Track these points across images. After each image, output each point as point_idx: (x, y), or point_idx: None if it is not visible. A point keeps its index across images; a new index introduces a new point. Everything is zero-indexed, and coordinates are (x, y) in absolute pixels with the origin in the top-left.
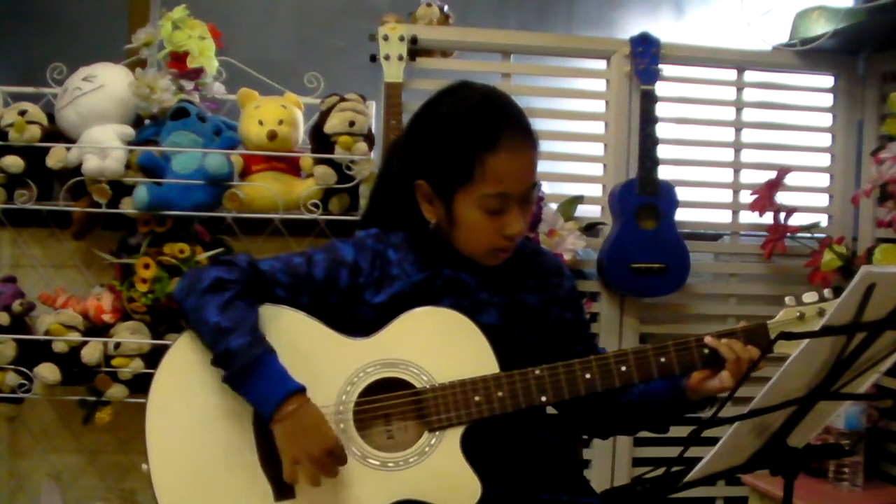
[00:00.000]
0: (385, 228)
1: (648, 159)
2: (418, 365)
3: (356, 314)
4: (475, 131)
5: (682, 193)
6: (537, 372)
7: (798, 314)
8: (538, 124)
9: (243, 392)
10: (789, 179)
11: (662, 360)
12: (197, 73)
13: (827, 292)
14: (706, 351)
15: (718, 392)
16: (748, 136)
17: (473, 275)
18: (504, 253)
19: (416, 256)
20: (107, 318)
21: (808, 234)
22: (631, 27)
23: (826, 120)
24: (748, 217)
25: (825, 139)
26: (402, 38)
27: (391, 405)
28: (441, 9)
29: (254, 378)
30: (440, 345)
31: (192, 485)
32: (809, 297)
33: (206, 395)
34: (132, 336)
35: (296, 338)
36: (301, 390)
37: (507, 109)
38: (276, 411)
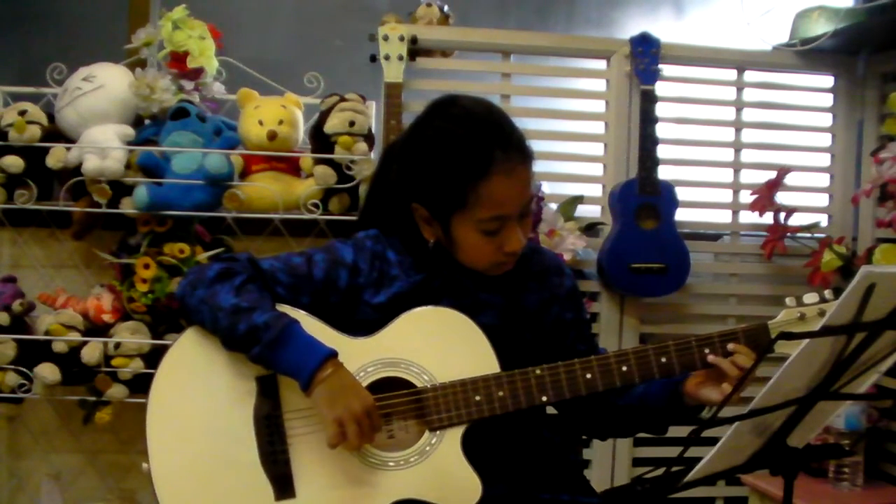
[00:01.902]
0: (381, 231)
1: (648, 159)
2: (419, 364)
3: (356, 314)
4: (466, 159)
5: (682, 193)
6: (538, 371)
7: (799, 315)
8: (538, 124)
9: (276, 363)
10: (789, 179)
11: (663, 360)
12: (197, 73)
13: (828, 293)
14: (707, 351)
15: (717, 402)
16: (748, 136)
17: (472, 275)
18: (506, 266)
19: (415, 257)
20: (107, 318)
21: (808, 234)
22: (631, 27)
23: (826, 120)
24: (748, 217)
25: (825, 139)
26: (402, 38)
27: (392, 404)
28: (441, 9)
29: (286, 348)
30: (441, 344)
31: (192, 484)
32: (810, 297)
33: (206, 395)
34: (132, 336)
35: None
36: (334, 354)
37: (497, 129)
38: (315, 376)
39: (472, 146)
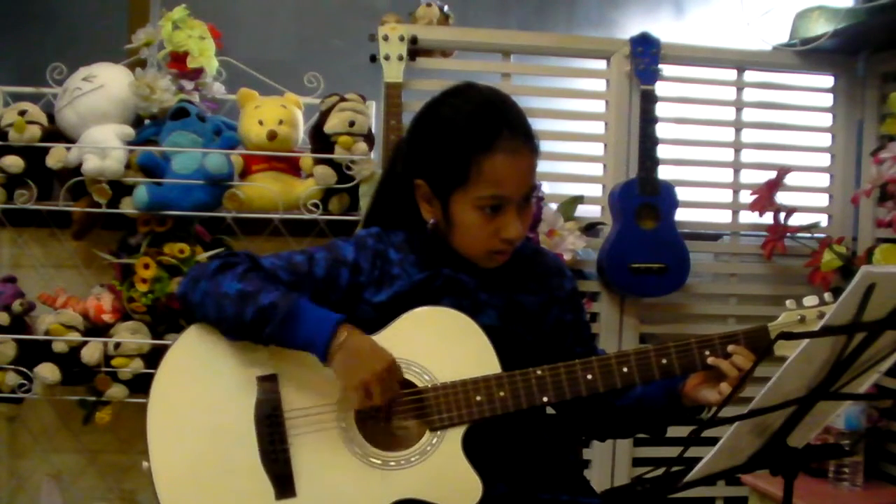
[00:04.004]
0: (387, 228)
1: (648, 159)
2: (420, 364)
3: (356, 313)
4: (472, 133)
5: (682, 193)
6: (539, 372)
7: (799, 317)
8: (538, 124)
9: (289, 340)
10: (789, 179)
11: (664, 361)
12: (197, 73)
13: (827, 296)
14: (707, 353)
15: (716, 403)
16: (748, 136)
17: (473, 275)
18: (501, 256)
19: (417, 256)
20: (107, 318)
21: (808, 234)
22: (631, 27)
23: (826, 120)
24: (748, 217)
25: (825, 139)
26: (402, 38)
27: (393, 404)
28: (441, 9)
29: (298, 322)
30: (442, 344)
31: (193, 483)
32: (810, 300)
33: (207, 394)
34: (132, 336)
35: None
36: (346, 319)
37: (507, 112)
38: (331, 344)
39: (480, 121)
